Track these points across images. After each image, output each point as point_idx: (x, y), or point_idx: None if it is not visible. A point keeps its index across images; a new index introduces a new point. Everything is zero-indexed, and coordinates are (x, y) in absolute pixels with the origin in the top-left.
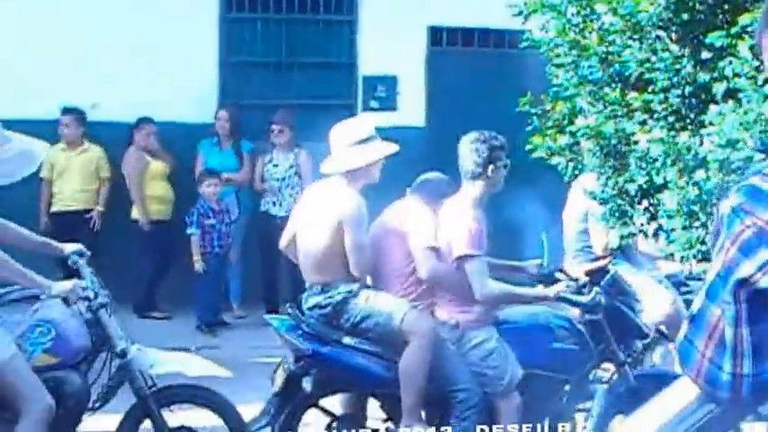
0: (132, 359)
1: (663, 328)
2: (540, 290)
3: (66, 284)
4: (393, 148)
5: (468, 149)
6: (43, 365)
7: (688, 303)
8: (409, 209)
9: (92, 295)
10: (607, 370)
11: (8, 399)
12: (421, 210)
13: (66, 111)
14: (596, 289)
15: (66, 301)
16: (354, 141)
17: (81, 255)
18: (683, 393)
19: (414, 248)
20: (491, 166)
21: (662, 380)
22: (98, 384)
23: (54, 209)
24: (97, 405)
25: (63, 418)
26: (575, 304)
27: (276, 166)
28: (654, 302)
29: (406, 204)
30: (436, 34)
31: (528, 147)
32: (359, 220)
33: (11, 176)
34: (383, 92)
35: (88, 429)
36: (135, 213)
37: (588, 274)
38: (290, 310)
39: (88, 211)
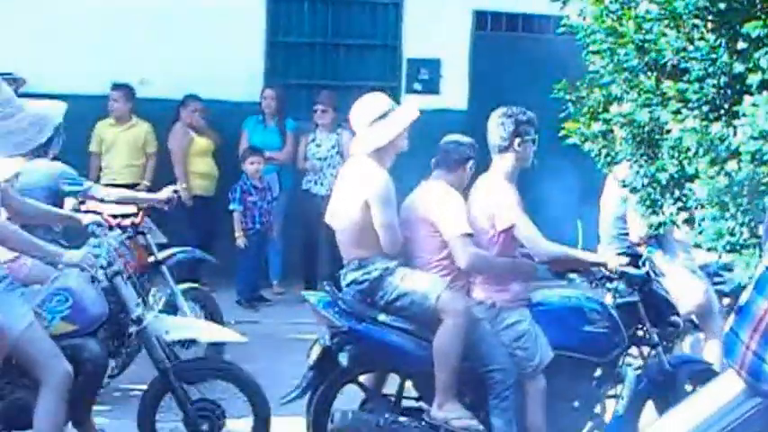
0: (148, 326)
1: (693, 317)
2: (599, 256)
3: (78, 253)
4: (411, 114)
5: (495, 124)
6: (61, 333)
7: (720, 294)
8: (433, 194)
9: (105, 263)
10: (637, 357)
11: (27, 367)
12: (446, 195)
13: (115, 86)
14: (648, 263)
15: (81, 269)
16: (372, 120)
17: (99, 225)
18: (727, 387)
19: (449, 238)
20: (518, 140)
21: (694, 366)
22: (116, 351)
23: (102, 182)
24: (116, 372)
25: (82, 384)
26: (632, 278)
27: (319, 145)
28: (686, 292)
29: (429, 189)
30: (481, 18)
31: (561, 133)
32: (385, 199)
33: (24, 146)
34: (426, 75)
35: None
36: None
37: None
38: (327, 288)
39: (135, 185)
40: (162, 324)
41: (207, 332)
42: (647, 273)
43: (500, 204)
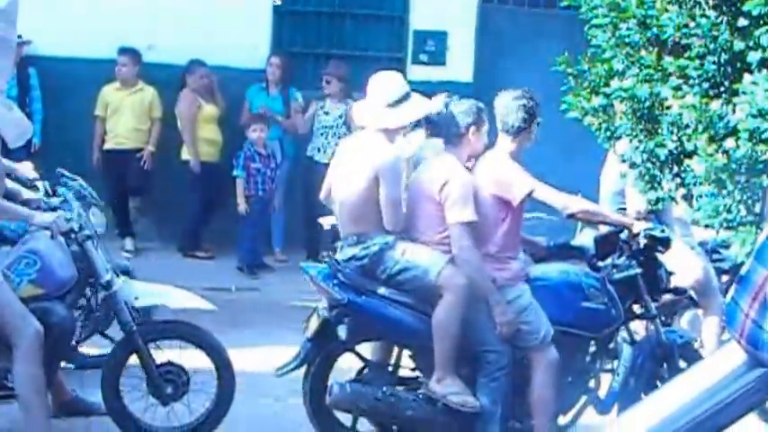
0: (117, 291)
1: (692, 293)
2: (625, 218)
3: (49, 215)
4: (427, 106)
5: (514, 105)
6: (29, 296)
7: (719, 271)
8: (440, 172)
9: (77, 227)
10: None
11: None
12: (452, 175)
13: (123, 51)
14: (665, 227)
15: (50, 232)
16: (389, 102)
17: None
18: (729, 358)
19: (450, 223)
20: (533, 122)
21: (689, 340)
22: (84, 316)
23: (106, 146)
24: (83, 336)
25: (48, 348)
26: (656, 240)
27: (327, 114)
28: (684, 268)
29: (437, 165)
30: None
31: (562, 107)
32: (394, 176)
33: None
34: (433, 46)
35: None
36: (185, 154)
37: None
38: (326, 259)
39: (139, 149)
40: (131, 290)
41: (177, 299)
42: (664, 238)
43: (511, 177)
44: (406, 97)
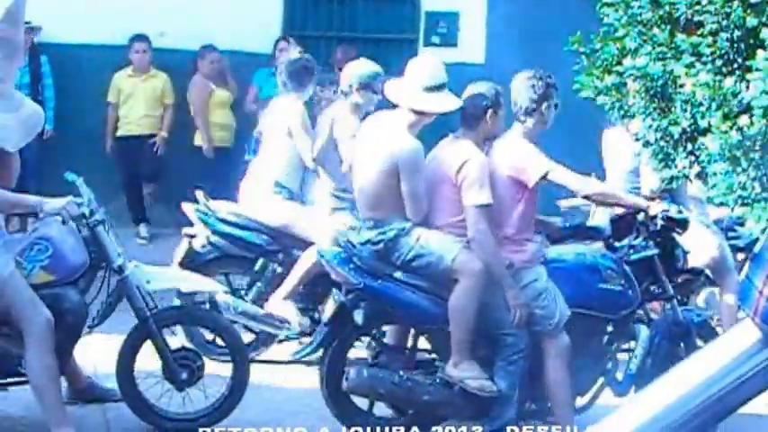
0: (129, 275)
1: (708, 272)
2: (642, 200)
3: (59, 201)
4: (458, 103)
5: (525, 86)
6: (41, 282)
7: (734, 249)
8: (457, 155)
9: (88, 212)
10: (653, 311)
11: (7, 315)
12: (468, 158)
13: (136, 37)
14: (681, 208)
15: (62, 218)
16: (427, 86)
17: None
18: (743, 336)
19: (466, 205)
20: (545, 104)
21: (706, 319)
22: (97, 301)
23: (119, 133)
24: (96, 322)
25: (61, 334)
26: (674, 222)
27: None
28: (700, 246)
29: (453, 149)
30: None
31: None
32: (416, 168)
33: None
34: (444, 28)
35: (91, 351)
36: (198, 140)
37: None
38: (342, 243)
39: (152, 135)
40: (143, 274)
41: (188, 282)
42: (681, 219)
43: (526, 159)
44: (443, 86)
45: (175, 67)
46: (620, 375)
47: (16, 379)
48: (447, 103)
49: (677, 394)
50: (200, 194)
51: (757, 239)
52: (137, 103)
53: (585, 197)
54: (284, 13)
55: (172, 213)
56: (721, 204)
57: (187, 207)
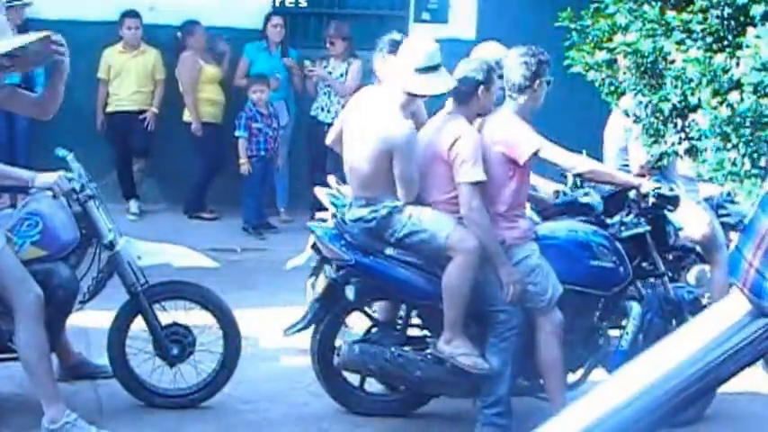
0: (120, 251)
1: (698, 248)
2: (634, 178)
3: (51, 175)
4: (451, 84)
5: (517, 62)
6: (32, 258)
7: (725, 226)
8: (449, 132)
9: (78, 187)
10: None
11: None
12: (461, 134)
13: (127, 13)
14: (673, 185)
15: (53, 193)
16: (419, 67)
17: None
18: (732, 308)
19: (459, 182)
20: (537, 81)
21: (697, 296)
22: (88, 276)
23: (110, 109)
24: (87, 297)
25: (52, 310)
26: (666, 199)
27: (330, 73)
28: (690, 223)
29: (445, 126)
30: None
31: (565, 62)
32: (409, 151)
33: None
34: (435, 4)
35: (81, 325)
36: (187, 116)
37: (608, 198)
38: (333, 219)
39: (143, 111)
40: (134, 249)
41: (180, 257)
42: (673, 197)
43: (518, 135)
44: (436, 68)
45: (165, 43)
46: (611, 351)
47: (7, 355)
48: (439, 84)
49: (666, 368)
50: (331, 179)
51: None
52: (128, 80)
53: (577, 175)
54: None
55: (162, 189)
56: (711, 180)
57: (319, 191)
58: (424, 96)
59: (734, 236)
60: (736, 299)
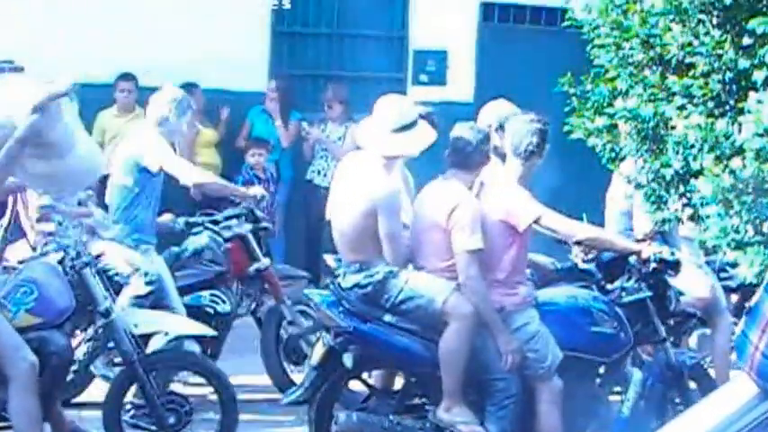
0: (116, 319)
1: (699, 313)
2: (634, 244)
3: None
4: (432, 136)
5: (526, 128)
6: (26, 325)
7: (727, 290)
8: (447, 198)
9: (73, 254)
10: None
11: None
12: (460, 201)
13: (123, 76)
14: (674, 250)
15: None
16: (395, 128)
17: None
18: (740, 390)
19: (457, 251)
20: (544, 149)
21: (699, 361)
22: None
23: (105, 173)
24: (83, 365)
25: (47, 377)
26: (668, 264)
27: (327, 137)
28: (692, 287)
29: (443, 192)
30: (488, 10)
31: (566, 128)
32: (392, 209)
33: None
34: (433, 66)
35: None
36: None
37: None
38: (331, 286)
39: None
40: (130, 317)
41: (176, 325)
42: (674, 261)
43: (518, 203)
44: (412, 125)
45: None
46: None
47: (0, 424)
48: (417, 141)
49: None
50: (329, 259)
51: (751, 283)
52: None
53: (577, 242)
54: (271, 51)
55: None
56: (715, 247)
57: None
58: (404, 156)
59: (735, 298)
60: (744, 381)
